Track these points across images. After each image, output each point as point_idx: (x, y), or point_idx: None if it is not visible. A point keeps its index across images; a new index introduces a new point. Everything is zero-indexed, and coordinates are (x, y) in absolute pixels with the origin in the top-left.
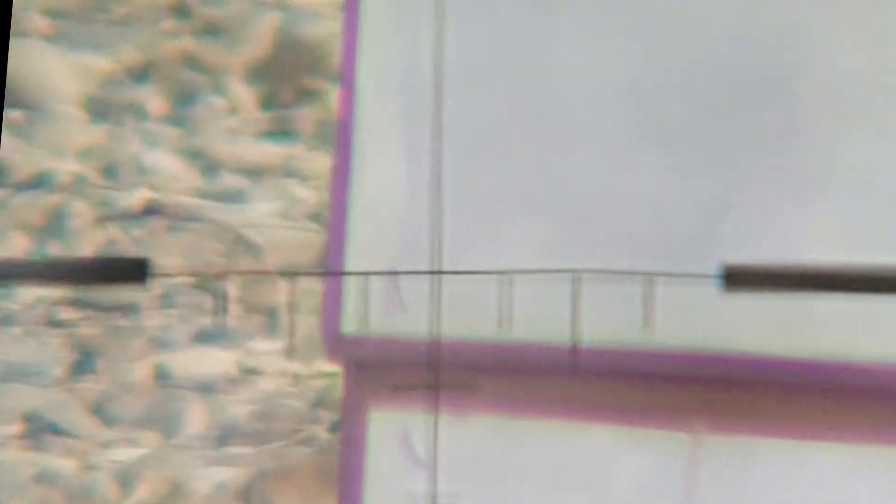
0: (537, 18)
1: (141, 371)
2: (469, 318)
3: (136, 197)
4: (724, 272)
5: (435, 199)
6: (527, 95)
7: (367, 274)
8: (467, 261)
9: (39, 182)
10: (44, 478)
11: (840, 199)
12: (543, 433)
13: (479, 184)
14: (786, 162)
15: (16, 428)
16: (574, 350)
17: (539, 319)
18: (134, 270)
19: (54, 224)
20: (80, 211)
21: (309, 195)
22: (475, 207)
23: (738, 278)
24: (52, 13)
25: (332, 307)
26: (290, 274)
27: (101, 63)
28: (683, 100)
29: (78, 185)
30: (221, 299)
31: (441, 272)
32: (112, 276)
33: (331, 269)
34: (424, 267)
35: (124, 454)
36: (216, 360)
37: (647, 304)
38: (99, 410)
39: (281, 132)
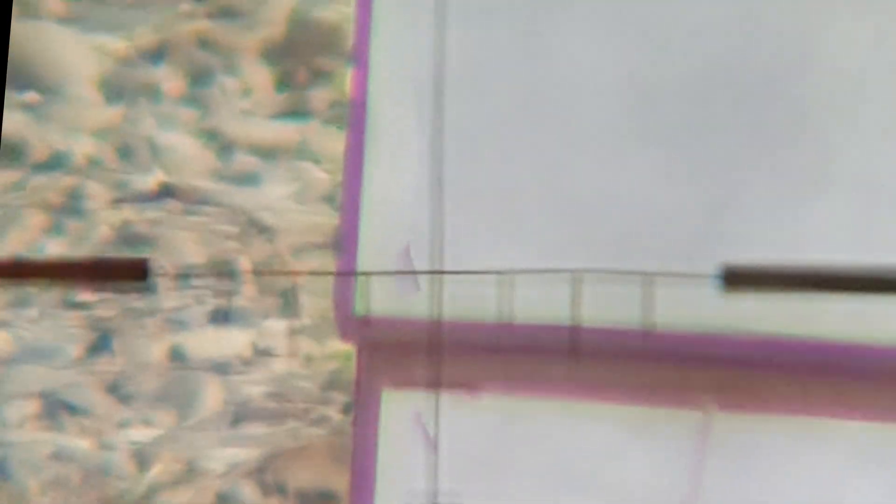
0: (538, 17)
1: (157, 352)
2: (469, 314)
3: (151, 179)
4: (724, 272)
5: (436, 198)
6: (527, 94)
7: (367, 274)
8: (467, 260)
9: (55, 163)
10: (60, 456)
11: (840, 199)
12: (547, 414)
13: (480, 183)
14: (786, 162)
15: (33, 407)
16: (574, 331)
17: (539, 319)
18: (133, 270)
19: (71, 204)
20: (96, 192)
21: (323, 177)
22: (476, 207)
23: (737, 279)
24: None
25: (344, 288)
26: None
27: (116, 44)
28: (683, 99)
29: (93, 167)
30: (235, 281)
31: (442, 272)
32: (112, 276)
33: (344, 250)
34: (425, 265)
35: (140, 434)
36: (230, 341)
37: (646, 304)
38: (115, 390)
39: (295, 113)
